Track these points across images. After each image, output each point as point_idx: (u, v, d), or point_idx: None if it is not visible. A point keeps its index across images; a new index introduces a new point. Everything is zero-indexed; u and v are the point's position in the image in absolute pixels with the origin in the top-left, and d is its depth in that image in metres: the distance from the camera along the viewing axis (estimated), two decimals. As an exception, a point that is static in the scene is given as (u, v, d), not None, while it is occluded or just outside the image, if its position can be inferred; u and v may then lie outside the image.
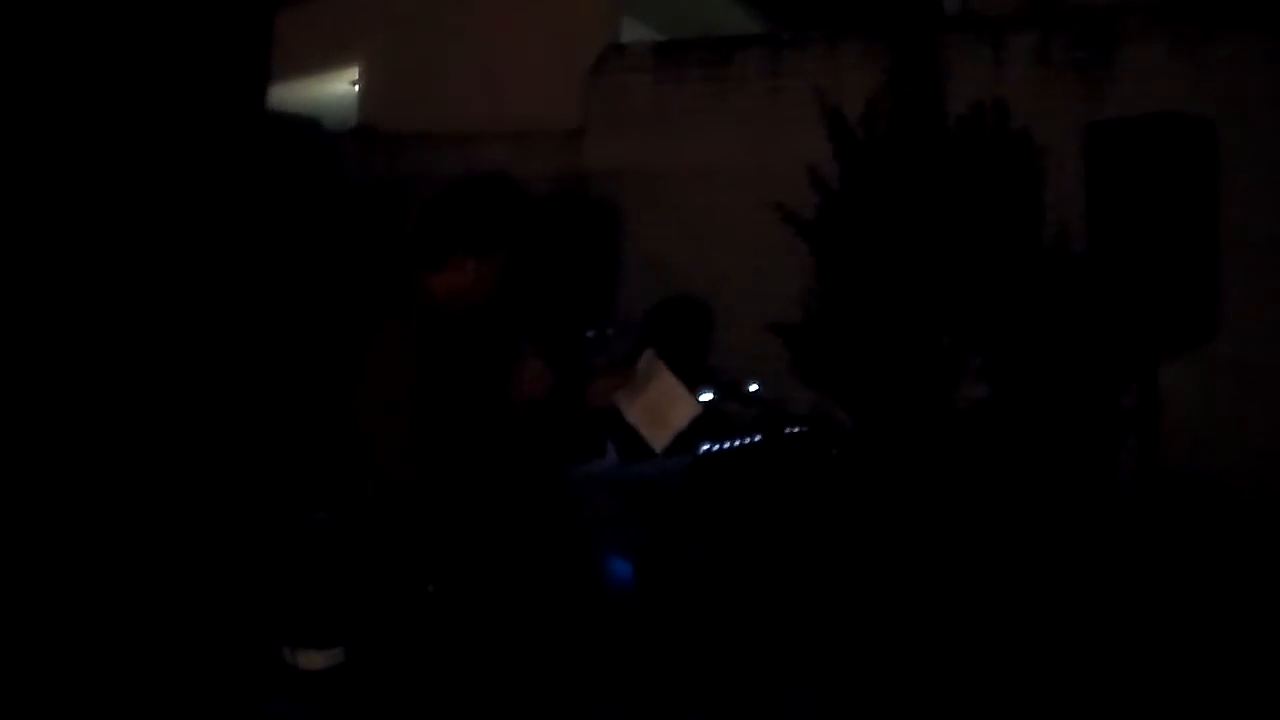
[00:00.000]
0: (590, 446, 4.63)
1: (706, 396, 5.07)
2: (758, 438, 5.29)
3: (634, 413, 3.41)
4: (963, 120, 7.72)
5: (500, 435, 3.15)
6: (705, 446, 5.05)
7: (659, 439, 3.45)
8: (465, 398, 3.06)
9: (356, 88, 12.24)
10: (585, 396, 3.42)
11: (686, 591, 5.02)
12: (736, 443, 5.20)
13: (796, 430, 5.55)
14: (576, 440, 4.13)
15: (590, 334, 3.70)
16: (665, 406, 3.40)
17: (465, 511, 3.12)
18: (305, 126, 10.08)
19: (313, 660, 4.23)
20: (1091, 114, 6.59)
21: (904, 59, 8.00)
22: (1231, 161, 5.87)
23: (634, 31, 11.00)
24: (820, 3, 11.10)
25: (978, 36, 8.54)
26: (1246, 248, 6.91)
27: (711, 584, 5.16)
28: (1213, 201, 5.53)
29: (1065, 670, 5.51)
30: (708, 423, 5.01)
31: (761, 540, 5.39)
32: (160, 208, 4.25)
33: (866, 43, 8.74)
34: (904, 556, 6.32)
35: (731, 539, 5.29)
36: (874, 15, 9.42)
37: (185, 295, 4.39)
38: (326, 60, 12.05)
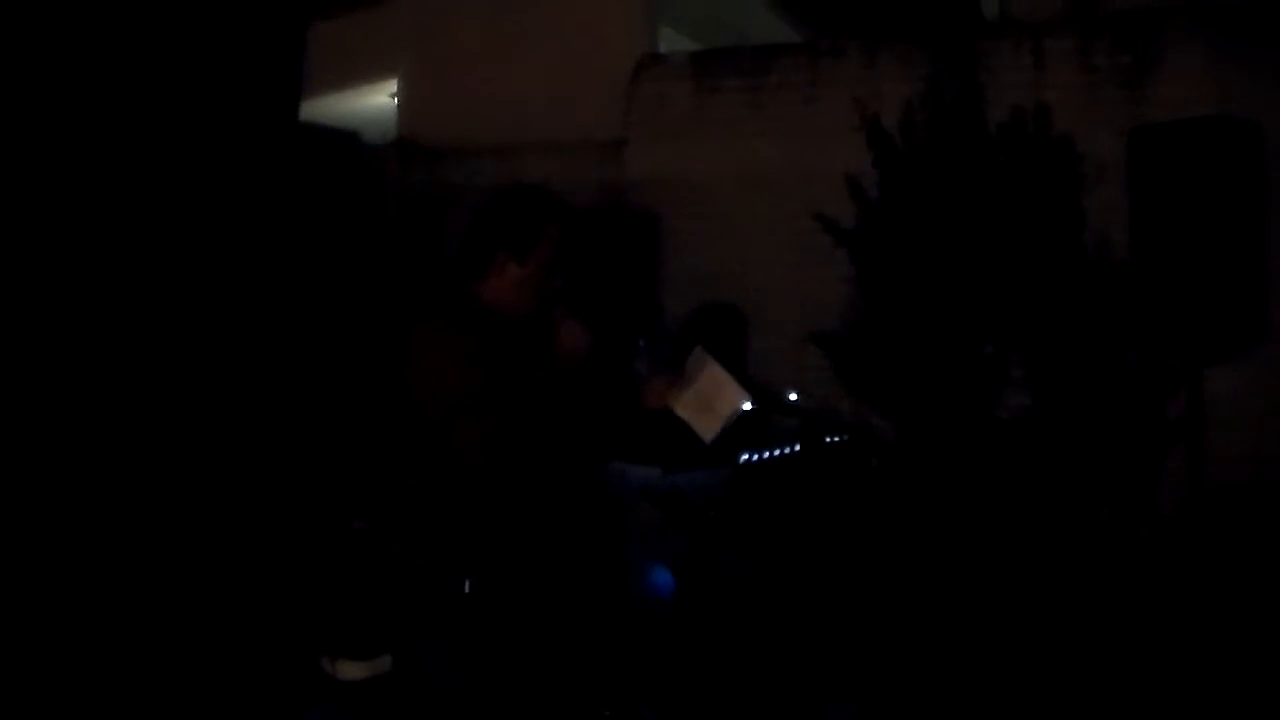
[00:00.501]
0: (646, 449, 4.63)
1: (746, 405, 5.03)
2: (798, 447, 5.27)
3: (683, 406, 3.42)
4: (1003, 127, 7.66)
5: (554, 436, 3.23)
6: (745, 456, 5.03)
7: (708, 430, 3.43)
8: (520, 400, 3.13)
9: (395, 100, 12.29)
10: (641, 398, 3.47)
11: (727, 601, 5.00)
12: (777, 452, 5.18)
13: (837, 440, 5.52)
14: (632, 441, 4.17)
15: (642, 342, 3.73)
16: (712, 396, 3.39)
17: (514, 512, 3.20)
18: (345, 139, 10.12)
19: (351, 670, 4.25)
20: (1135, 119, 6.55)
21: (943, 66, 7.96)
22: (1277, 164, 5.80)
23: (672, 42, 11.00)
24: (858, 11, 11.06)
25: (1017, 42, 8.48)
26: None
27: (751, 594, 5.14)
28: (1259, 205, 5.47)
29: (1114, 680, 5.45)
30: (748, 432, 4.98)
31: (802, 550, 5.37)
32: (196, 223, 4.26)
33: (905, 50, 8.70)
34: (946, 567, 6.27)
35: (772, 549, 5.26)
36: (912, 22, 9.36)
37: (224, 308, 4.40)
38: (365, 73, 12.10)
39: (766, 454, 5.12)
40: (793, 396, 5.63)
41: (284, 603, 4.51)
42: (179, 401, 4.21)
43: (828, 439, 5.47)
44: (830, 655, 5.45)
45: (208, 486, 4.28)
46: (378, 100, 12.43)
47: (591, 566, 4.03)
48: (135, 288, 4.04)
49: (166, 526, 4.11)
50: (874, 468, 5.87)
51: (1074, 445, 7.11)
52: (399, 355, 3.25)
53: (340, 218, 8.05)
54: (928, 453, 7.08)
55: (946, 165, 7.57)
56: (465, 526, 3.14)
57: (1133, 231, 5.67)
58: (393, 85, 12.29)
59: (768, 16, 12.36)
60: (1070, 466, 7.06)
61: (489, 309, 3.28)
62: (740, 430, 3.63)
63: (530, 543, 3.23)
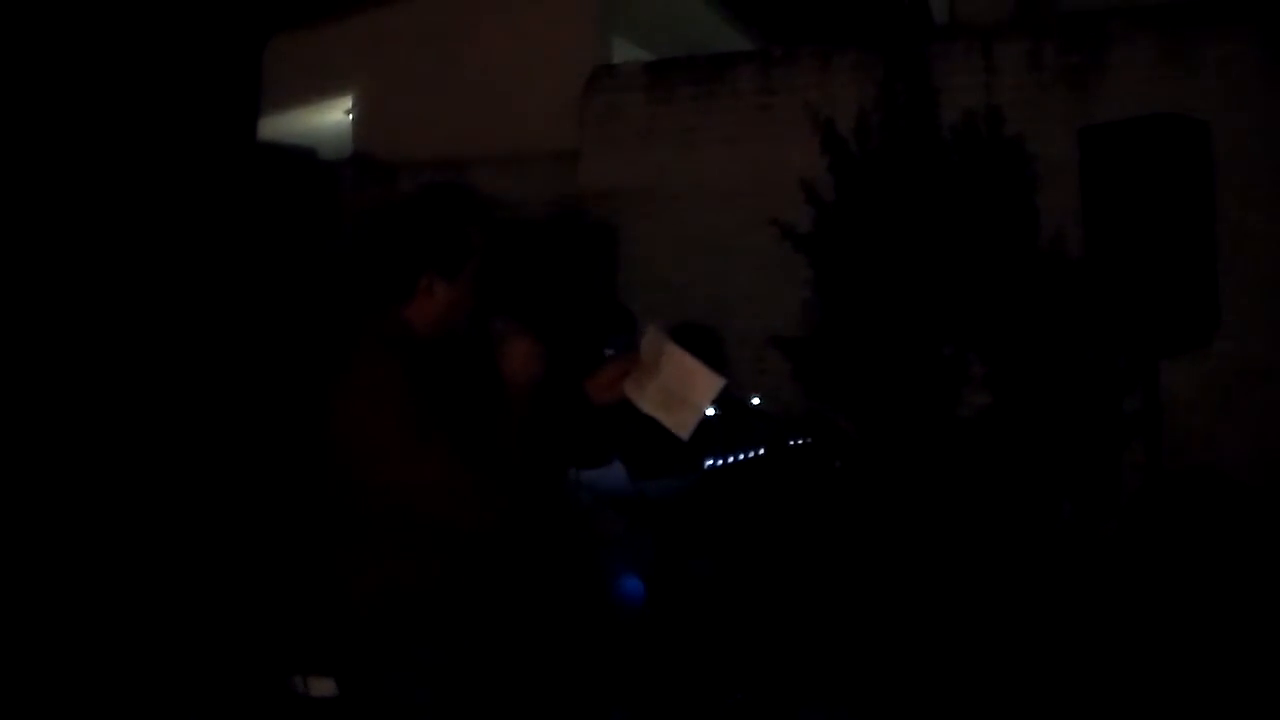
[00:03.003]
0: (598, 452, 4.53)
1: (709, 411, 5.05)
2: (761, 451, 5.29)
3: (647, 401, 2.96)
4: (956, 129, 7.74)
5: (507, 458, 2.78)
6: (710, 461, 5.05)
7: (683, 423, 2.95)
8: (466, 430, 2.74)
9: (351, 117, 12.27)
10: (588, 394, 3.00)
11: (696, 607, 5.01)
12: (741, 456, 5.20)
13: (800, 443, 5.55)
14: (583, 446, 3.86)
15: (610, 352, 3.41)
16: (683, 386, 2.94)
17: (482, 577, 2.85)
18: (301, 156, 10.09)
19: (324, 687, 4.22)
20: (1085, 118, 6.61)
21: (895, 70, 8.03)
22: (1226, 161, 5.89)
23: (625, 52, 11.04)
24: (810, 17, 11.12)
25: (968, 46, 8.57)
26: (1243, 246, 6.93)
27: (720, 598, 5.15)
28: (1209, 201, 5.55)
29: (1078, 675, 5.49)
30: (712, 437, 5.00)
31: (769, 554, 5.39)
32: (154, 241, 4.25)
33: (857, 55, 8.78)
34: (913, 566, 6.31)
35: (739, 553, 5.28)
36: (864, 28, 9.44)
37: (183, 326, 4.39)
38: (321, 90, 12.07)
39: (731, 458, 5.15)
40: (755, 400, 5.66)
41: (251, 622, 4.49)
42: (134, 419, 4.19)
43: (791, 442, 5.49)
44: (802, 657, 5.48)
45: (171, 505, 4.27)
46: (334, 117, 12.41)
47: (563, 579, 3.93)
48: (92, 304, 4.03)
49: (131, 546, 4.10)
50: (837, 469, 5.90)
51: (1035, 442, 7.18)
52: (328, 394, 2.79)
53: (297, 235, 8.03)
54: (891, 453, 7.12)
55: (901, 168, 7.63)
56: (424, 606, 2.74)
57: (1086, 229, 5.73)
58: (348, 102, 12.27)
59: (720, 26, 12.42)
60: (1032, 463, 7.13)
61: (417, 336, 2.85)
62: (703, 436, 3.38)
63: (502, 616, 2.88)
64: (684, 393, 2.95)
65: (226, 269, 4.66)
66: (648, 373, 2.97)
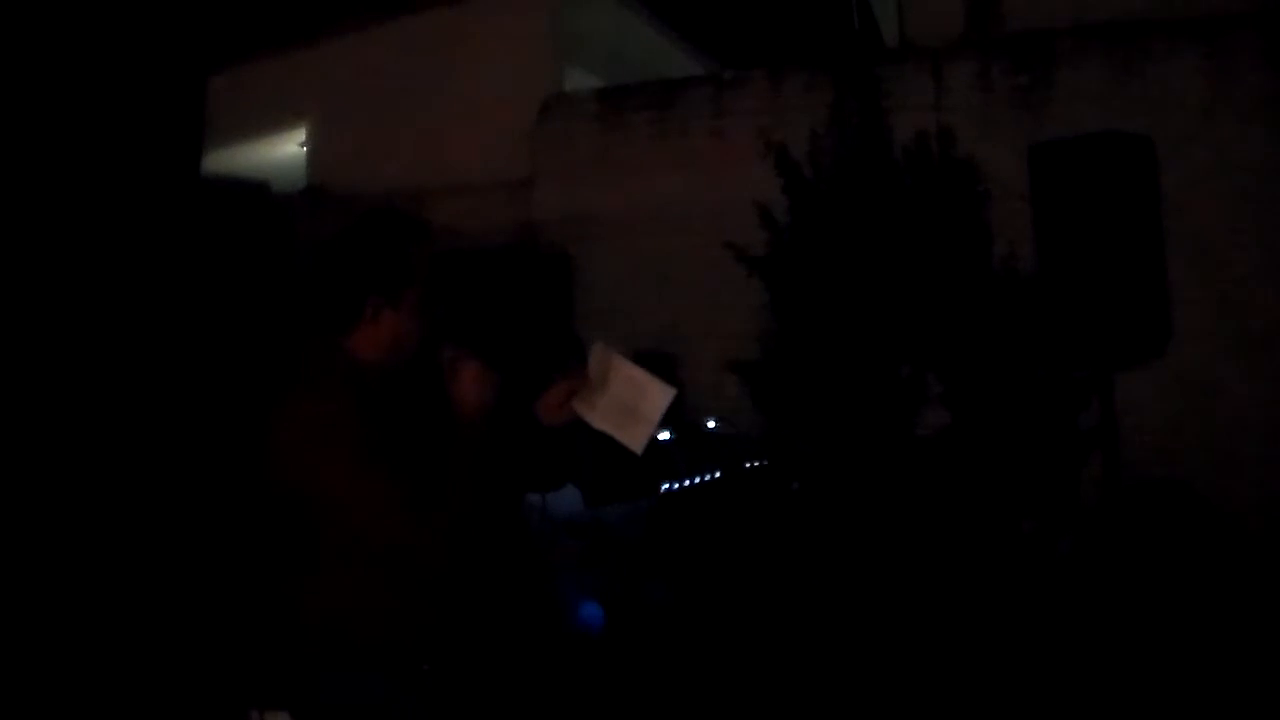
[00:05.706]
0: (551, 474, 4.50)
1: (664, 436, 5.05)
2: (718, 474, 5.28)
3: (599, 417, 2.93)
4: (907, 149, 7.77)
5: (457, 483, 2.74)
6: (666, 485, 5.04)
7: (636, 437, 2.92)
8: (413, 456, 2.69)
9: (304, 149, 12.24)
10: (537, 415, 2.95)
11: (655, 631, 4.98)
12: (697, 480, 5.19)
13: (757, 465, 5.54)
14: (537, 469, 3.84)
15: (558, 378, 3.36)
16: (633, 399, 2.93)
17: (447, 609, 2.80)
18: (254, 189, 10.05)
19: (281, 720, 4.17)
20: (1034, 136, 6.66)
21: (846, 92, 8.06)
22: (1170, 176, 5.94)
23: (577, 79, 11.06)
24: (761, 40, 11.18)
25: (918, 66, 8.63)
26: (1192, 259, 6.99)
27: (679, 622, 5.13)
28: (1155, 216, 5.59)
29: (1043, 691, 5.49)
30: (669, 461, 4.99)
31: (726, 576, 5.37)
32: (97, 284, 4.19)
33: (808, 78, 8.82)
34: (872, 586, 6.31)
35: (696, 577, 5.26)
36: (814, 50, 9.49)
37: (131, 366, 4.34)
38: (274, 123, 12.05)
39: (688, 481, 5.14)
40: (711, 424, 5.65)
41: (207, 654, 4.43)
42: (81, 452, 4.14)
43: (748, 464, 5.49)
44: (762, 679, 5.46)
45: (119, 539, 4.21)
46: (287, 149, 12.38)
47: (521, 607, 3.89)
48: (32, 342, 3.97)
49: (83, 580, 4.04)
50: (795, 491, 5.89)
51: (994, 459, 7.19)
52: (270, 428, 2.73)
53: (249, 268, 7.99)
54: (849, 474, 7.12)
55: (854, 189, 7.66)
56: (377, 633, 2.71)
57: (1038, 245, 5.76)
58: (302, 134, 12.25)
59: (672, 51, 12.47)
60: (991, 480, 7.14)
61: (364, 366, 2.80)
62: (660, 461, 3.39)
63: (458, 642, 2.80)
64: (635, 406, 2.94)
65: (173, 303, 4.61)
66: (597, 389, 2.96)
